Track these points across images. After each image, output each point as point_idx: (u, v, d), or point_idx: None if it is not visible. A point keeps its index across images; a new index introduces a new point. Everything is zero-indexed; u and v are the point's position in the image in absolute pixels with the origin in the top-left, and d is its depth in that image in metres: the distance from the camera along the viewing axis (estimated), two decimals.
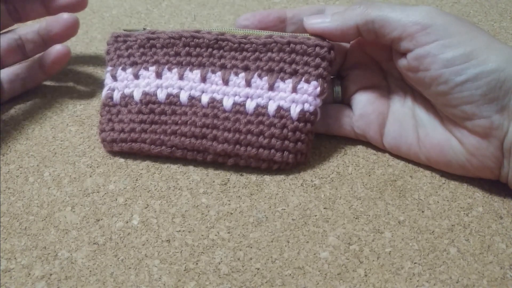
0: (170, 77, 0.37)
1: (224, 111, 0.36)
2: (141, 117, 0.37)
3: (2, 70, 0.41)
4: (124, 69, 0.38)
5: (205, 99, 0.36)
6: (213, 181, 0.36)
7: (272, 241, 0.32)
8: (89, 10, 0.56)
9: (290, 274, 0.30)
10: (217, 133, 0.35)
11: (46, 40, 0.41)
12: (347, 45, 0.39)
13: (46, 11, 0.42)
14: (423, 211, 0.33)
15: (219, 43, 0.36)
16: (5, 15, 0.41)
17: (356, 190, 0.35)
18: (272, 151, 0.35)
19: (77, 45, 0.50)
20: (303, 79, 0.35)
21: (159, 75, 0.37)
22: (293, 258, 0.31)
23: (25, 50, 0.42)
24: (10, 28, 0.42)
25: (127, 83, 0.38)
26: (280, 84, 0.35)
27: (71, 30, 0.41)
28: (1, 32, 0.41)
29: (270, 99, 0.35)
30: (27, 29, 0.42)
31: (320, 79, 0.35)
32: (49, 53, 0.41)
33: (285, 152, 0.35)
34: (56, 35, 0.41)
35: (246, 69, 0.36)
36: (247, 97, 0.36)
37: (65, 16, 0.41)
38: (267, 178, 0.36)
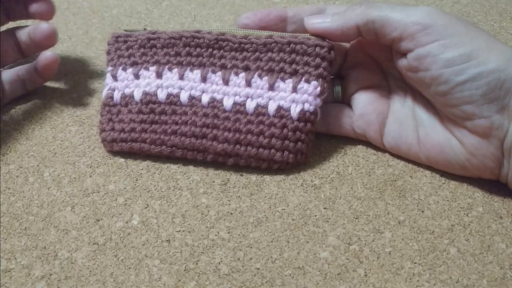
0: (171, 77, 0.37)
1: (224, 111, 0.36)
2: (141, 117, 0.37)
3: (4, 71, 0.41)
4: (124, 69, 0.38)
5: (205, 99, 0.36)
6: (213, 181, 0.36)
7: (272, 241, 0.32)
8: (89, 10, 0.56)
9: (290, 274, 0.30)
10: (217, 133, 0.35)
11: (35, 44, 0.41)
12: (347, 45, 0.39)
13: (27, 14, 0.42)
14: (423, 211, 0.33)
15: (220, 43, 0.36)
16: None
17: (356, 190, 0.35)
18: (272, 150, 0.35)
19: (77, 45, 0.50)
20: (303, 79, 0.35)
21: (159, 75, 0.37)
22: (293, 258, 0.31)
23: (22, 48, 0.42)
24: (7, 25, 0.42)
25: (128, 83, 0.38)
26: (280, 84, 0.35)
27: (49, 40, 0.41)
28: None
29: (270, 99, 0.35)
30: (22, 29, 0.42)
31: (320, 79, 0.35)
32: (40, 59, 0.41)
33: (285, 152, 0.35)
34: (39, 43, 0.41)
35: (246, 69, 0.36)
36: (247, 97, 0.36)
37: (44, 26, 0.40)
38: (267, 178, 0.36)
